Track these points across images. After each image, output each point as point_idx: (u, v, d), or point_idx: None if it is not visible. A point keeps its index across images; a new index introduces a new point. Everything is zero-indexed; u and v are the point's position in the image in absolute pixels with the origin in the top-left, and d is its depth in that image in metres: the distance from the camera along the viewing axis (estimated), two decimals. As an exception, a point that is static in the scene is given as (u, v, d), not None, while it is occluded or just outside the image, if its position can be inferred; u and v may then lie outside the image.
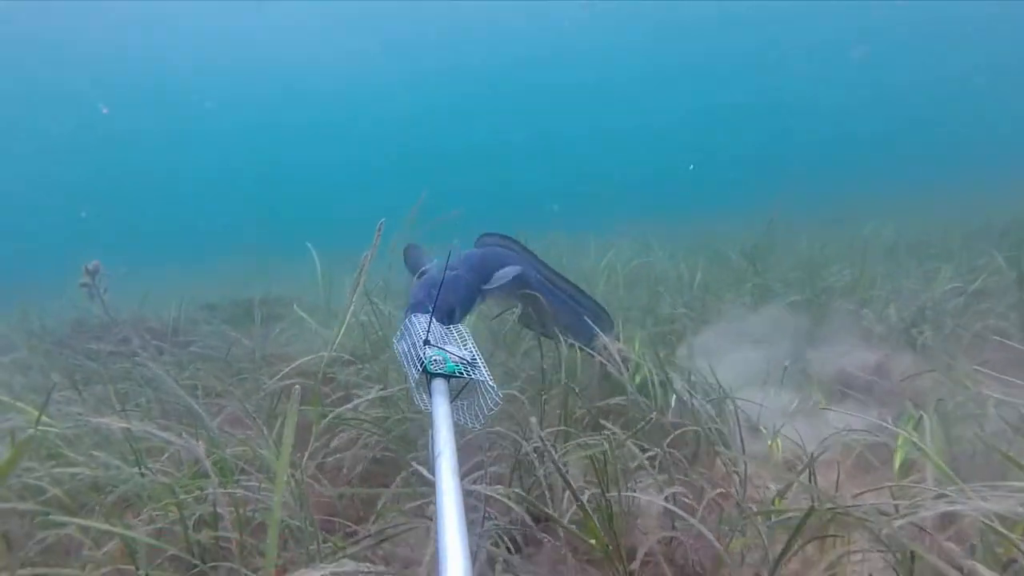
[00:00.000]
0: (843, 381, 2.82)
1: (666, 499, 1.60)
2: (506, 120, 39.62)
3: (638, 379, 2.50)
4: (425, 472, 1.46)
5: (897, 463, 1.90)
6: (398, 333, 1.85)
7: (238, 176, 40.49)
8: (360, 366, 2.76)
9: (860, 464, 2.11)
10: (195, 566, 1.41)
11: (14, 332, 4.65)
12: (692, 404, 2.15)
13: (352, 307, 2.45)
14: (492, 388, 1.58)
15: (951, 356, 2.82)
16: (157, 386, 2.80)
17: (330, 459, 2.11)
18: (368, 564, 1.17)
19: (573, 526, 1.51)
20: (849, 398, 2.73)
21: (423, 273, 2.33)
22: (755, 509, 1.69)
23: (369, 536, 1.63)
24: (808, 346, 3.16)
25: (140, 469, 1.76)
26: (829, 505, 1.44)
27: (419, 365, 1.55)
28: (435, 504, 0.96)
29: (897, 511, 1.48)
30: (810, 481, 1.77)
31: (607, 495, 1.62)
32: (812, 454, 1.84)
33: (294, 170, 40.89)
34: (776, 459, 2.11)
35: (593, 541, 1.46)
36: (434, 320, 1.76)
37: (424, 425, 2.18)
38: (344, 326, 2.11)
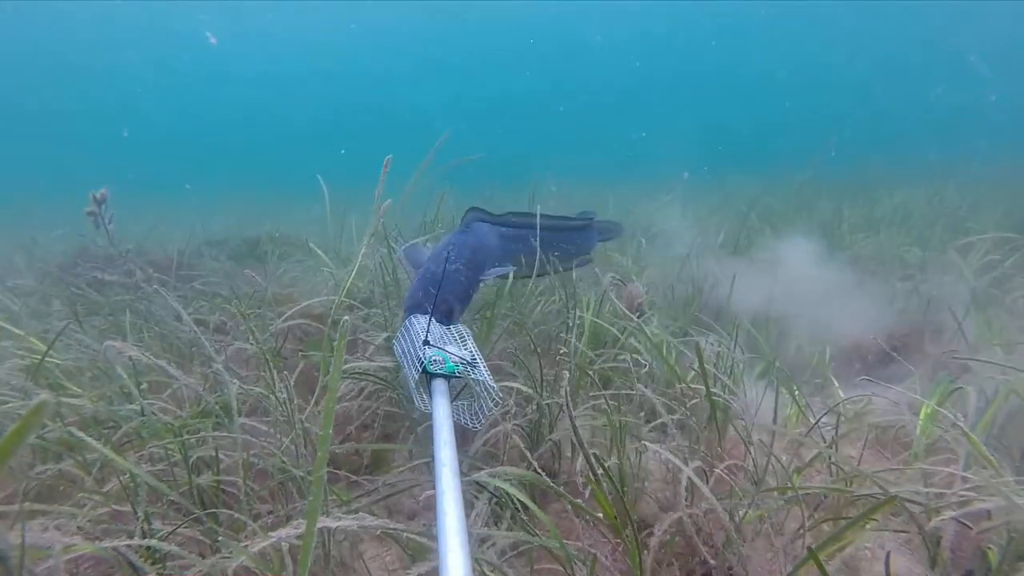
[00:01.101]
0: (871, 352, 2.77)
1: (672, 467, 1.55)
2: (533, 72, 38.84)
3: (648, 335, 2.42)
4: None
5: (924, 440, 1.84)
6: (397, 334, 1.83)
7: (254, 114, 39.89)
8: (366, 311, 2.69)
9: (888, 438, 2.05)
10: (193, 514, 1.36)
11: (22, 256, 4.59)
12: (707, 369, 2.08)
13: (364, 249, 2.37)
14: (492, 388, 1.56)
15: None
16: (159, 320, 2.75)
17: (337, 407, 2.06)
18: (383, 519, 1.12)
19: (579, 499, 1.46)
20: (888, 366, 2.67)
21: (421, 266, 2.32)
22: (771, 484, 1.65)
23: (376, 490, 1.59)
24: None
25: (140, 405, 1.71)
26: (846, 487, 1.38)
27: (419, 366, 1.54)
28: (435, 505, 0.95)
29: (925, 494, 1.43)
30: (829, 458, 1.72)
31: (621, 462, 1.57)
32: (835, 431, 1.78)
33: (312, 110, 40.28)
34: (793, 432, 2.05)
35: (600, 515, 1.42)
36: (433, 320, 1.73)
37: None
38: (355, 269, 2.03)
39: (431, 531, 1.29)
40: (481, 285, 2.39)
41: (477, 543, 1.27)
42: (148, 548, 1.20)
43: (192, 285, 3.47)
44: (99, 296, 3.27)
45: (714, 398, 1.74)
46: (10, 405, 1.73)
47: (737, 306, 2.94)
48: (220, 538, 1.28)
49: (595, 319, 2.34)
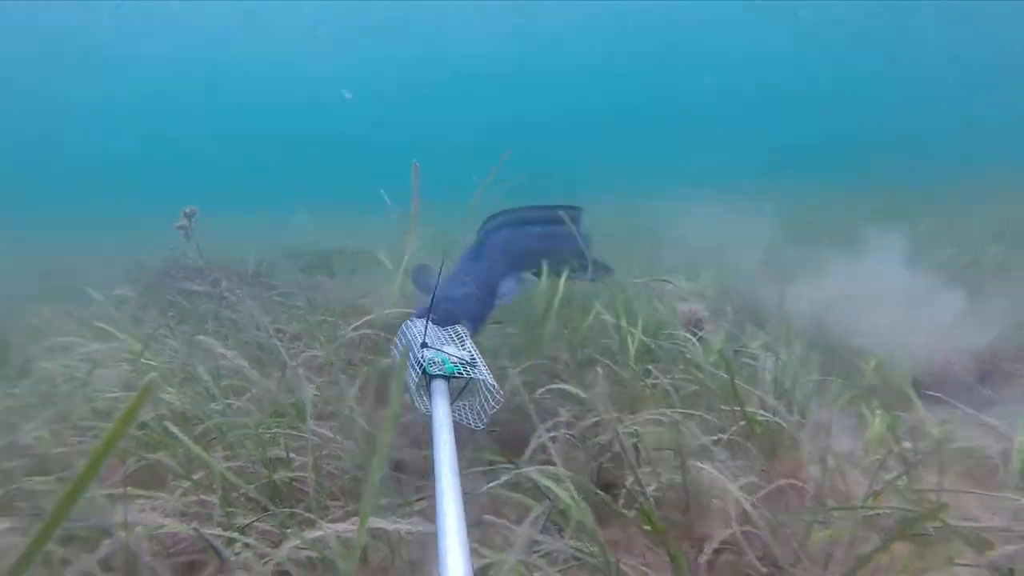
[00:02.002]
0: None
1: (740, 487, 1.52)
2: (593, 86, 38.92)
3: (713, 354, 2.38)
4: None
5: (1018, 472, 1.72)
6: (395, 337, 1.82)
7: (327, 131, 41.70)
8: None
9: (976, 467, 1.93)
10: (267, 508, 1.45)
11: (123, 266, 4.99)
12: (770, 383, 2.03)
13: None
14: (493, 387, 1.55)
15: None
16: (241, 327, 2.93)
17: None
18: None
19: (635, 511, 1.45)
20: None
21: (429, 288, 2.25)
22: (833, 503, 1.59)
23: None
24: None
25: (221, 405, 1.83)
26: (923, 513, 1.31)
27: (418, 367, 1.53)
28: (435, 505, 0.95)
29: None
30: (906, 483, 1.64)
31: (685, 478, 1.56)
32: (916, 455, 1.70)
33: (387, 127, 41.73)
34: (873, 455, 1.96)
35: (648, 527, 1.41)
36: (431, 323, 1.72)
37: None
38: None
39: (486, 538, 1.33)
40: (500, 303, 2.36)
41: (528, 548, 1.28)
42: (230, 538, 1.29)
43: (271, 295, 3.67)
44: (188, 304, 3.52)
45: (764, 417, 1.69)
46: (114, 395, 1.90)
47: (806, 318, 2.84)
48: (288, 530, 1.36)
49: (645, 337, 2.33)
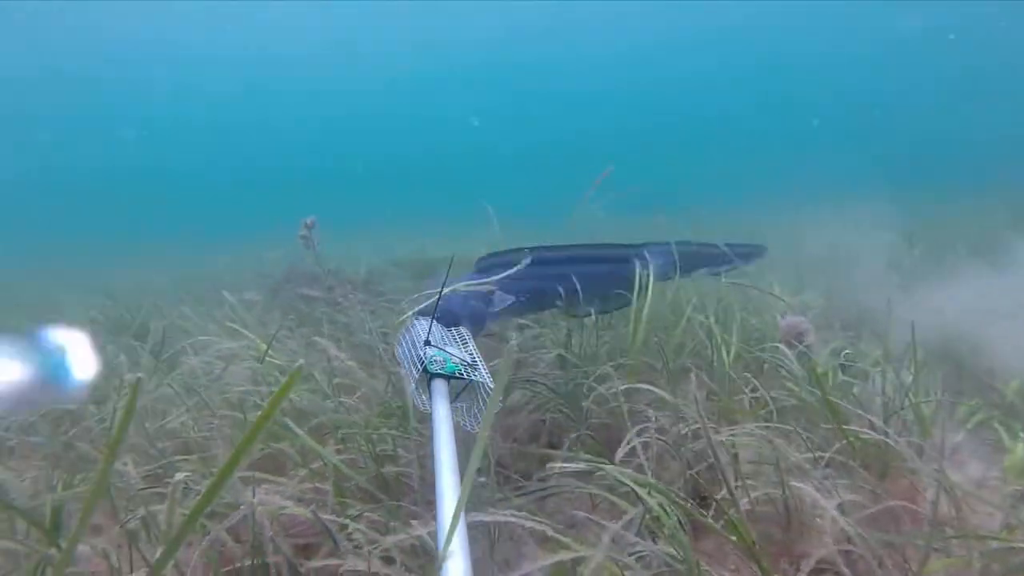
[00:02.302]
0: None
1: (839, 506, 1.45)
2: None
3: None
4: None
5: None
6: (399, 336, 1.81)
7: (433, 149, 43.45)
8: (539, 330, 2.85)
9: None
10: (376, 499, 1.57)
11: (252, 273, 5.50)
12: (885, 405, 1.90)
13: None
14: (492, 391, 1.46)
15: None
16: (352, 331, 3.15)
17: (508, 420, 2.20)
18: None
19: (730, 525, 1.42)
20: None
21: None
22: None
23: (533, 491, 1.68)
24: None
25: (334, 402, 1.99)
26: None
27: (419, 365, 1.52)
28: (435, 505, 0.95)
29: None
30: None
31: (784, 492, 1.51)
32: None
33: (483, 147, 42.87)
34: (1011, 480, 1.79)
35: (734, 537, 1.37)
36: (436, 323, 1.71)
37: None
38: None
39: (580, 532, 1.35)
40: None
41: (616, 546, 1.30)
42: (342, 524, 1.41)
43: (379, 301, 3.91)
44: (305, 308, 3.83)
45: (868, 436, 1.59)
46: (243, 388, 2.12)
47: (930, 333, 2.62)
48: (393, 523, 1.46)
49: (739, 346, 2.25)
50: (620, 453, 1.64)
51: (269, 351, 2.54)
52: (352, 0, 29.02)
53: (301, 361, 0.74)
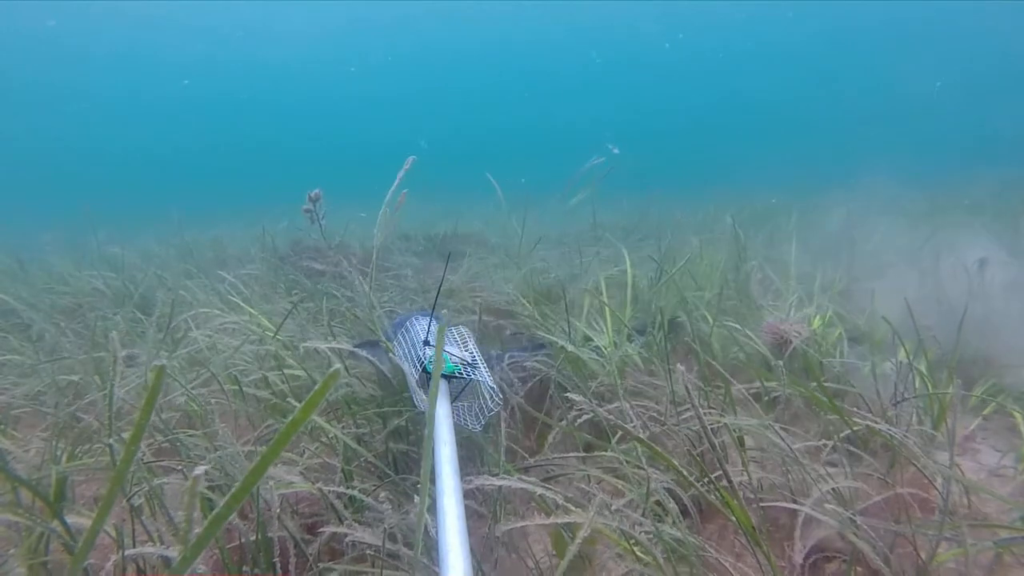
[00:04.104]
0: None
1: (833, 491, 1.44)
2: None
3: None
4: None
5: None
6: (397, 335, 1.80)
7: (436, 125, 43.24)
8: (542, 307, 2.82)
9: None
10: (387, 475, 1.55)
11: (256, 246, 5.46)
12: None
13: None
14: (492, 388, 1.50)
15: None
16: (357, 305, 3.12)
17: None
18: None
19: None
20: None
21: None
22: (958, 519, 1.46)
23: (540, 465, 1.67)
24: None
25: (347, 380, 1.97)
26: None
27: (419, 365, 1.51)
28: (436, 504, 0.94)
29: None
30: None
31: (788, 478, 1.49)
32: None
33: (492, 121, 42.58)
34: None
35: (733, 517, 1.36)
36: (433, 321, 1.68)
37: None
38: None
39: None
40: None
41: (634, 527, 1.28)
42: (350, 498, 1.39)
43: (384, 277, 3.88)
44: (309, 283, 3.80)
45: (862, 424, 1.57)
46: (242, 368, 2.10)
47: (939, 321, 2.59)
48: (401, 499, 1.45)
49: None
50: (617, 436, 1.63)
51: (272, 327, 2.52)
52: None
53: (337, 366, 0.72)
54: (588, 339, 2.46)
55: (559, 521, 1.15)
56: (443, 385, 1.44)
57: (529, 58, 37.31)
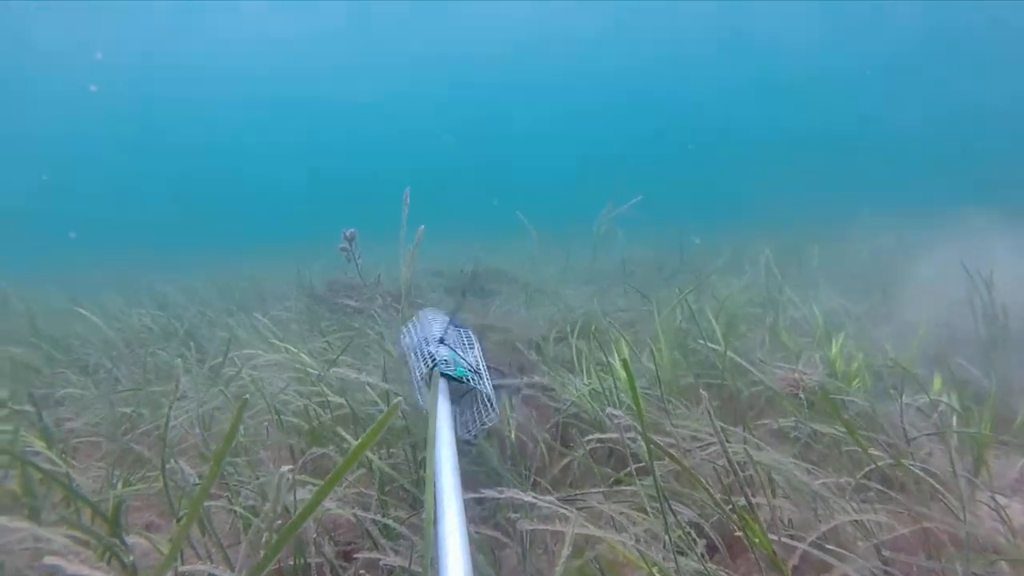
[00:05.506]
0: None
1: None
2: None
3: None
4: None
5: None
6: (408, 325, 1.77)
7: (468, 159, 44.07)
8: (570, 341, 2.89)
9: None
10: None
11: (293, 285, 5.66)
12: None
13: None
14: (491, 401, 1.48)
15: None
16: (388, 339, 3.23)
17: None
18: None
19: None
20: None
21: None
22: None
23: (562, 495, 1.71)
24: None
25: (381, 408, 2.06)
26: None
27: (430, 362, 1.48)
28: (436, 504, 0.94)
29: None
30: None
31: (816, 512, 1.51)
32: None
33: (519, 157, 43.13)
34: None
35: (754, 543, 1.37)
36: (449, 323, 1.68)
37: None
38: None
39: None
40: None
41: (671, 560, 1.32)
42: (385, 525, 1.46)
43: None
44: (347, 319, 3.94)
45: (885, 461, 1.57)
46: (286, 397, 2.21)
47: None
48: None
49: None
50: (633, 466, 1.65)
51: (311, 361, 2.63)
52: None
53: (398, 400, 0.80)
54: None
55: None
56: (444, 386, 1.43)
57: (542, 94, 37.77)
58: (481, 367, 1.58)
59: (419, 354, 1.57)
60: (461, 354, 1.58)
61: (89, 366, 3.34)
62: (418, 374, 1.51)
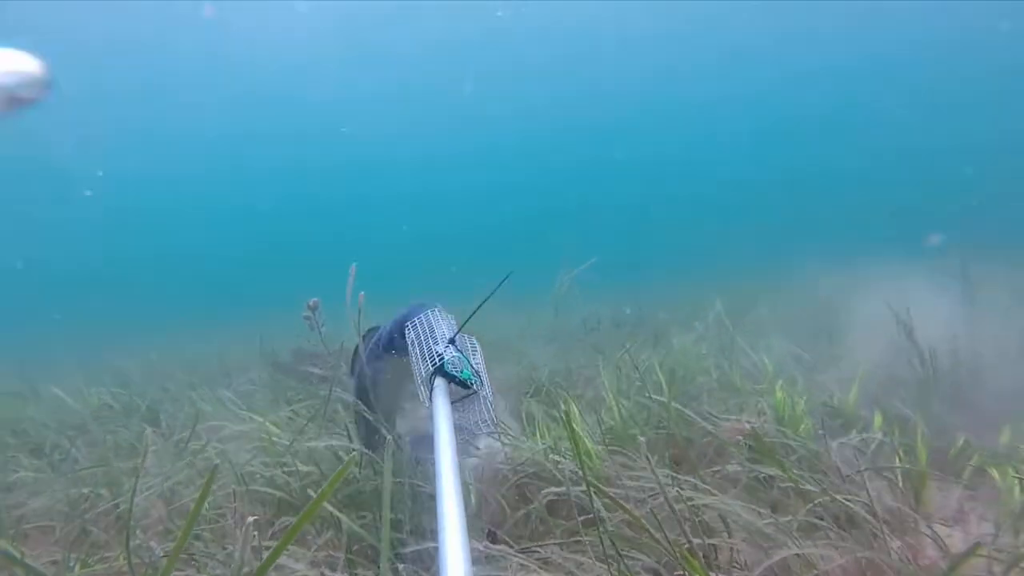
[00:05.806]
0: None
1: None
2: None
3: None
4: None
5: None
6: (414, 319, 1.75)
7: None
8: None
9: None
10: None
11: (254, 355, 5.62)
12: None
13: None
14: (490, 408, 1.49)
15: None
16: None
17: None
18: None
19: None
20: None
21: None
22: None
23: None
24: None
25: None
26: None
27: (437, 360, 1.47)
28: (436, 506, 0.94)
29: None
30: None
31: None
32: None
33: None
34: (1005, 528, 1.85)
35: None
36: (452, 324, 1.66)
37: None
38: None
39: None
40: None
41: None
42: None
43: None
44: (311, 387, 3.94)
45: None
46: (254, 467, 2.22)
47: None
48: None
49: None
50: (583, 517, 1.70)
51: (277, 430, 2.65)
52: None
53: (355, 452, 0.87)
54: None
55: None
56: (445, 386, 1.43)
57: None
58: (483, 373, 1.59)
59: (424, 352, 1.56)
60: (469, 358, 1.58)
61: (45, 447, 3.25)
62: (421, 373, 1.51)
